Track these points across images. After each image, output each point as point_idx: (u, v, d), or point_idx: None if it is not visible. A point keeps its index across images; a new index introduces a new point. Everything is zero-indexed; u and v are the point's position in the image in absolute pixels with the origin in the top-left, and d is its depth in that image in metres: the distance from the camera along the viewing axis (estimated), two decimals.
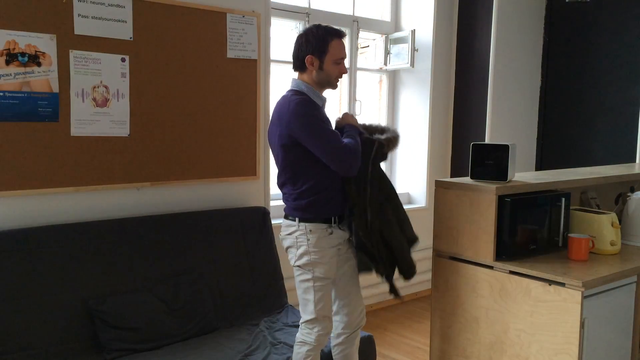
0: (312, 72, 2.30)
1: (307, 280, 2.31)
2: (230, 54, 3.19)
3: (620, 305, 2.39)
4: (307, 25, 2.39)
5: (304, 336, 2.34)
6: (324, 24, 2.36)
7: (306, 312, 2.34)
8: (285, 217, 2.37)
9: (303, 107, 2.23)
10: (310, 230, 2.29)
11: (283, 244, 2.40)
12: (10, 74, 2.50)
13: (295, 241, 2.32)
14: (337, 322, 2.47)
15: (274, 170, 3.54)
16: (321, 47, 2.27)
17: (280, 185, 2.39)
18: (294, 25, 3.97)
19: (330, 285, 2.37)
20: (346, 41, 2.38)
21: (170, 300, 2.66)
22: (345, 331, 2.47)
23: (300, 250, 2.31)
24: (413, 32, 4.45)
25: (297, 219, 2.31)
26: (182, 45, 2.99)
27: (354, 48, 4.30)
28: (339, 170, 2.24)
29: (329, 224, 2.32)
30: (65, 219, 2.68)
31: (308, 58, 2.28)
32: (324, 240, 2.31)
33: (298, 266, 2.33)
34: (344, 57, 2.33)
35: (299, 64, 2.34)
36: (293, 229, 2.32)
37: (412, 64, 4.47)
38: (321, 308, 2.31)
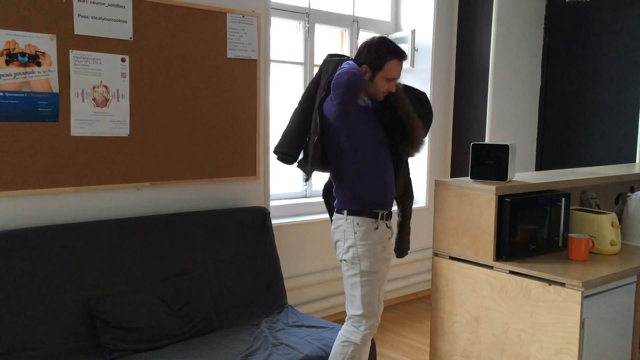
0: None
1: (354, 275, 2.33)
2: (230, 54, 3.19)
3: (620, 305, 2.39)
4: (371, 37, 2.45)
5: (350, 334, 2.36)
6: (390, 39, 2.44)
7: (353, 307, 2.36)
8: (337, 211, 2.43)
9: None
10: (358, 224, 2.34)
11: (332, 238, 2.45)
12: (10, 74, 2.50)
13: (342, 234, 2.37)
14: None
15: (274, 170, 3.56)
16: (378, 63, 2.34)
17: (332, 178, 2.50)
18: (294, 25, 3.97)
19: (378, 280, 2.38)
20: (407, 65, 2.46)
21: (170, 301, 2.66)
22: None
23: (347, 244, 2.35)
24: (413, 32, 4.45)
25: (345, 212, 2.37)
26: (182, 45, 2.99)
27: (354, 48, 4.30)
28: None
29: (376, 218, 2.36)
30: (65, 219, 2.68)
31: (363, 67, 2.35)
32: (370, 234, 2.35)
33: (345, 260, 2.37)
34: (396, 77, 2.41)
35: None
36: (341, 222, 2.38)
37: (412, 64, 4.48)
38: (368, 303, 2.33)
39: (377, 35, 2.46)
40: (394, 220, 2.49)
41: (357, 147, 2.36)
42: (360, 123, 2.38)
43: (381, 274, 2.41)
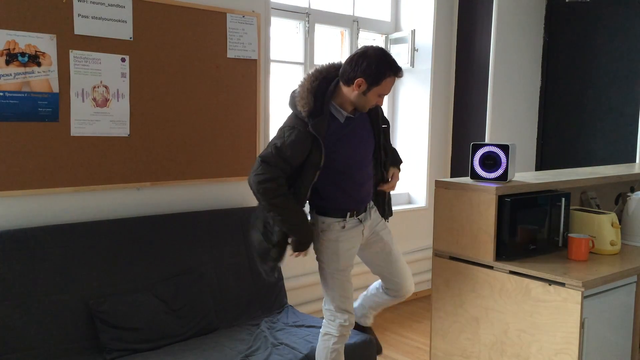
0: (354, 92, 2.29)
1: (322, 271, 2.45)
2: (231, 54, 3.19)
3: (620, 305, 2.39)
4: (369, 46, 2.37)
5: (327, 327, 2.44)
6: (389, 53, 2.36)
7: (326, 302, 2.46)
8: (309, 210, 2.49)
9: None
10: (323, 222, 2.39)
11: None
12: (10, 74, 2.50)
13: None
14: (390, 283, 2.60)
15: None
16: (376, 78, 2.27)
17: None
18: (294, 25, 3.97)
19: (348, 276, 2.43)
20: (408, 65, 2.48)
21: (171, 300, 2.66)
22: (393, 292, 2.60)
23: (316, 243, 2.43)
24: (413, 32, 4.45)
25: (314, 211, 2.44)
26: (182, 45, 2.99)
27: (354, 48, 4.30)
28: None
29: (344, 217, 2.39)
30: (65, 219, 2.68)
31: (359, 80, 2.27)
32: (338, 233, 2.40)
33: (318, 258, 2.46)
34: (387, 93, 2.38)
35: (347, 78, 2.30)
36: (312, 220, 2.43)
37: (412, 64, 4.47)
38: (338, 298, 2.42)
39: (374, 45, 2.37)
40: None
41: (336, 167, 2.35)
42: (340, 139, 2.35)
43: (373, 254, 2.53)
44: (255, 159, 2.33)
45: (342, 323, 2.40)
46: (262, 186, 2.23)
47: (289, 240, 2.35)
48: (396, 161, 2.63)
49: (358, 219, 2.43)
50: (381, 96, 2.35)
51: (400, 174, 2.63)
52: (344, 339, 2.43)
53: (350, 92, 2.31)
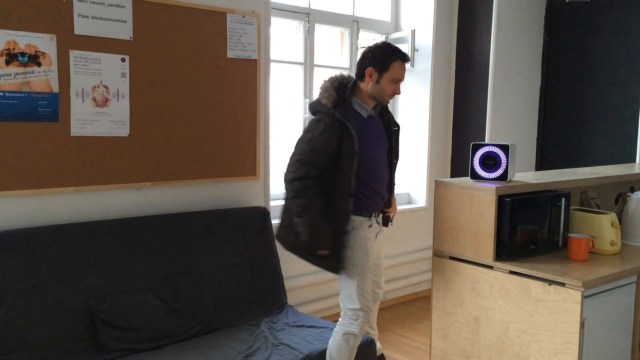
0: (369, 84, 2.45)
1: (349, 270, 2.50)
2: (231, 54, 3.19)
3: (620, 305, 2.39)
4: (374, 43, 2.55)
5: (349, 327, 2.46)
6: (393, 44, 2.56)
7: (350, 301, 2.49)
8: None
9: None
10: (354, 221, 2.46)
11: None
12: (10, 74, 2.50)
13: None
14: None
15: (274, 171, 3.56)
16: (384, 64, 2.43)
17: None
18: (294, 25, 3.97)
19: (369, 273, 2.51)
20: (407, 65, 2.60)
21: (171, 300, 2.66)
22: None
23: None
24: (413, 32, 4.45)
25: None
26: (182, 45, 2.99)
27: (354, 48, 4.30)
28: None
29: (370, 218, 2.51)
30: (66, 219, 2.68)
31: (368, 70, 2.44)
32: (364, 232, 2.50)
33: None
34: (401, 79, 2.49)
35: (359, 73, 2.49)
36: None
37: (412, 64, 4.47)
38: (364, 296, 2.48)
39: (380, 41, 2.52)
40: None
41: (372, 165, 2.49)
42: (369, 137, 2.48)
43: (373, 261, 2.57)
44: (289, 158, 2.43)
45: (363, 321, 2.46)
46: (290, 184, 2.36)
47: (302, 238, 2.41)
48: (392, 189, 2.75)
49: (377, 220, 2.57)
50: (395, 82, 2.47)
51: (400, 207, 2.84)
52: (360, 337, 2.51)
53: (366, 86, 2.47)
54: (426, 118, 4.49)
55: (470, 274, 2.44)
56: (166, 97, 2.96)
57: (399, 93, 2.53)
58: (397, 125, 2.73)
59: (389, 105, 2.68)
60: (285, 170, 2.41)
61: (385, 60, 2.43)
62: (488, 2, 4.36)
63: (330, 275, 3.80)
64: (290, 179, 2.35)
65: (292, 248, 2.52)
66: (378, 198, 2.54)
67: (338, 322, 2.53)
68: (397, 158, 2.71)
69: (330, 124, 2.35)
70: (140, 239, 2.74)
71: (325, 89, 2.44)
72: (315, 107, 2.48)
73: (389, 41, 4.51)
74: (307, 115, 3.97)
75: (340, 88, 2.44)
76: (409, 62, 2.58)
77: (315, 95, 2.54)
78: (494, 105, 4.40)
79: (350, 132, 2.36)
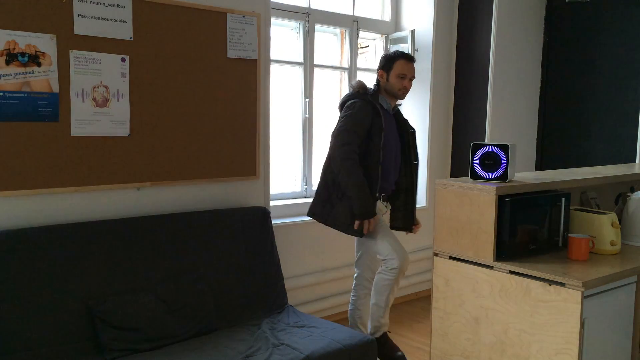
0: (382, 84, 3.12)
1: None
2: (231, 54, 3.19)
3: (620, 305, 2.39)
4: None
5: (391, 262, 3.02)
6: (400, 50, 3.32)
7: (381, 252, 3.07)
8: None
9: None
10: None
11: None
12: (10, 74, 2.50)
13: None
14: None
15: (274, 170, 3.56)
16: (388, 64, 3.08)
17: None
18: (294, 25, 3.97)
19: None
20: (415, 64, 3.17)
21: (171, 300, 2.66)
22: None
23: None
24: (413, 32, 4.46)
25: None
26: (182, 45, 2.99)
27: (354, 48, 4.30)
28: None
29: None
30: (65, 219, 2.68)
31: (379, 72, 3.12)
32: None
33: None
34: (406, 75, 3.07)
35: (377, 77, 3.15)
36: None
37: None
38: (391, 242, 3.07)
39: None
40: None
41: (384, 148, 3.00)
42: (387, 126, 3.03)
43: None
44: (331, 136, 3.02)
45: (400, 258, 3.01)
46: (341, 149, 2.91)
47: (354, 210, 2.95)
48: (410, 222, 3.30)
49: (384, 203, 3.16)
50: (402, 78, 3.06)
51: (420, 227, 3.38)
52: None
53: (381, 85, 3.12)
54: (426, 118, 4.49)
55: (470, 274, 2.44)
56: (166, 97, 2.96)
57: (408, 87, 3.10)
58: (412, 129, 3.25)
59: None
60: (331, 142, 2.99)
61: (389, 61, 3.07)
62: (488, 2, 4.36)
63: (330, 275, 3.84)
64: (341, 144, 2.91)
65: (326, 221, 3.07)
66: (385, 183, 3.06)
67: (378, 271, 3.10)
68: (416, 159, 3.21)
69: (365, 103, 2.99)
70: (140, 239, 2.74)
71: (357, 83, 3.09)
72: (348, 96, 3.08)
73: (389, 41, 4.52)
74: (307, 116, 3.97)
75: (368, 87, 3.10)
76: (415, 61, 3.13)
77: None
78: (494, 105, 4.40)
79: (379, 112, 2.99)
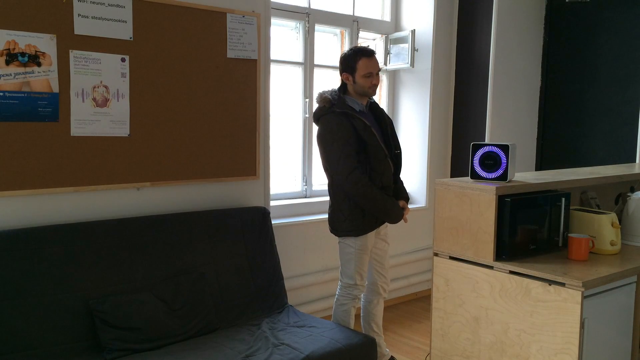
0: (350, 85, 2.90)
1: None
2: (230, 54, 3.19)
3: (620, 305, 2.39)
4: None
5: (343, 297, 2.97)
6: (357, 45, 3.08)
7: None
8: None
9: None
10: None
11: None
12: (10, 74, 2.50)
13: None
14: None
15: (274, 171, 3.56)
16: (351, 66, 2.85)
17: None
18: (294, 25, 3.97)
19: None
20: (377, 57, 2.92)
21: (171, 300, 2.66)
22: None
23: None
24: (413, 32, 4.45)
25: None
26: (182, 45, 3.00)
27: None
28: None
29: None
30: (65, 219, 2.69)
31: (343, 75, 2.90)
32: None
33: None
34: (372, 72, 2.84)
35: (341, 80, 2.93)
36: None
37: (412, 64, 4.47)
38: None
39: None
40: None
41: (372, 149, 2.81)
42: (369, 122, 2.84)
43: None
44: (327, 174, 2.91)
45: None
46: (348, 179, 2.75)
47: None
48: (404, 196, 3.04)
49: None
50: (368, 76, 2.83)
51: (408, 206, 3.04)
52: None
53: (349, 87, 2.90)
54: (426, 118, 4.49)
55: (470, 274, 2.44)
56: (166, 97, 2.96)
57: (377, 83, 2.88)
58: (390, 119, 3.06)
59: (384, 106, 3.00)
60: (334, 173, 2.83)
61: (351, 62, 2.84)
62: (488, 2, 4.36)
63: (330, 275, 3.84)
64: (347, 173, 2.74)
65: (343, 232, 2.92)
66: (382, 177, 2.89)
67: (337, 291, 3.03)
68: (398, 148, 3.01)
69: (336, 116, 2.79)
70: (140, 239, 2.74)
71: (319, 97, 2.87)
72: (317, 114, 2.88)
73: (389, 41, 4.52)
74: (307, 116, 3.97)
75: (332, 95, 2.86)
76: (375, 53, 2.89)
77: (317, 96, 2.91)
78: (494, 105, 4.40)
79: (354, 115, 2.79)
